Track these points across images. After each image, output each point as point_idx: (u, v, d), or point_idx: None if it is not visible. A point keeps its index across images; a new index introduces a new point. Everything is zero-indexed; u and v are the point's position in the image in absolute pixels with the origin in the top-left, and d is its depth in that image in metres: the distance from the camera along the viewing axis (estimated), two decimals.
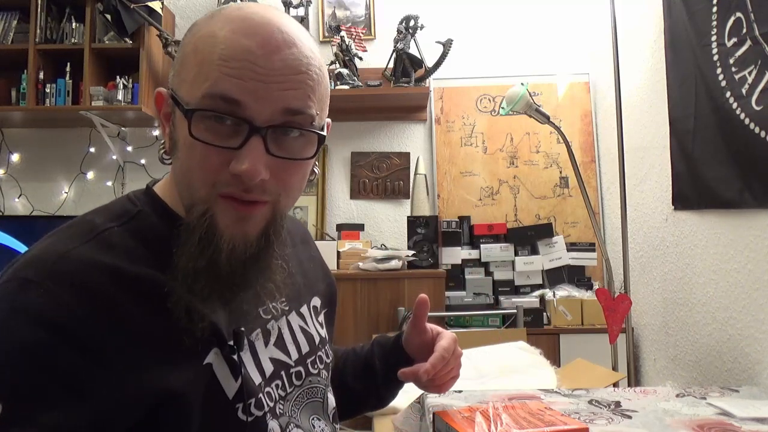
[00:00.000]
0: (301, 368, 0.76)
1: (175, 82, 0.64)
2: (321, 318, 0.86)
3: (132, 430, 0.57)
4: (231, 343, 0.65)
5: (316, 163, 0.72)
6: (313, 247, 0.93)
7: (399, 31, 2.58)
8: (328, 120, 0.69)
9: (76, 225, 0.63)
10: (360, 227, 2.66)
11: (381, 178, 2.79)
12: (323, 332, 0.84)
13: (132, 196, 0.69)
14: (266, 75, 0.59)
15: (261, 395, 0.67)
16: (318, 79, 0.63)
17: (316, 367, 0.79)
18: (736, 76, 1.54)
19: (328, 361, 0.83)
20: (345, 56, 2.58)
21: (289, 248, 0.76)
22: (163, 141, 0.67)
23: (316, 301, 0.85)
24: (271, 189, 0.62)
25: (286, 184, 0.63)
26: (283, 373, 0.73)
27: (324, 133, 0.66)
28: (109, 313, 0.56)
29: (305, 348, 0.78)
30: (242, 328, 0.67)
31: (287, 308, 0.78)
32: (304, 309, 0.81)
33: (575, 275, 2.57)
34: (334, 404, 0.82)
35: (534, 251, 2.61)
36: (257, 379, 0.68)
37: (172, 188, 0.68)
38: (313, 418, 0.76)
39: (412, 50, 2.57)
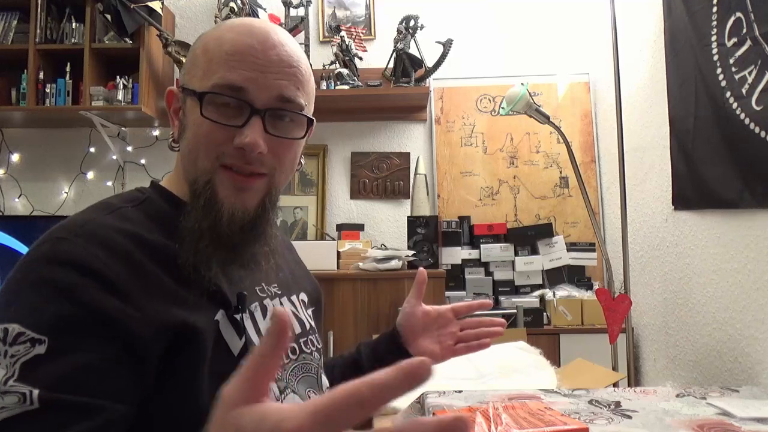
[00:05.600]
0: (295, 345, 0.82)
1: (186, 79, 0.74)
2: (309, 312, 0.91)
3: (159, 361, 0.63)
4: (235, 305, 0.72)
5: (303, 157, 0.83)
6: (296, 254, 1.02)
7: (399, 31, 2.57)
8: (313, 118, 0.78)
9: (95, 205, 0.73)
10: (360, 227, 2.66)
11: (381, 178, 2.79)
12: (312, 323, 0.90)
13: (139, 188, 0.79)
14: (264, 66, 0.70)
15: None
16: (307, 76, 0.75)
17: (308, 347, 0.84)
18: (736, 76, 1.54)
19: (320, 346, 0.88)
20: (345, 56, 2.57)
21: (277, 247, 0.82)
22: (172, 133, 0.78)
23: (304, 297, 0.92)
24: (268, 163, 0.72)
25: (281, 159, 0.74)
26: None
27: (311, 116, 0.76)
28: (132, 266, 0.64)
29: (297, 329, 0.84)
30: (245, 293, 0.74)
31: (279, 293, 0.84)
32: (294, 298, 0.88)
33: (575, 275, 2.57)
34: (328, 384, 0.87)
35: (534, 251, 2.61)
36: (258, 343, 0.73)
37: (176, 180, 0.78)
38: (309, 391, 0.81)
39: (412, 50, 2.57)
